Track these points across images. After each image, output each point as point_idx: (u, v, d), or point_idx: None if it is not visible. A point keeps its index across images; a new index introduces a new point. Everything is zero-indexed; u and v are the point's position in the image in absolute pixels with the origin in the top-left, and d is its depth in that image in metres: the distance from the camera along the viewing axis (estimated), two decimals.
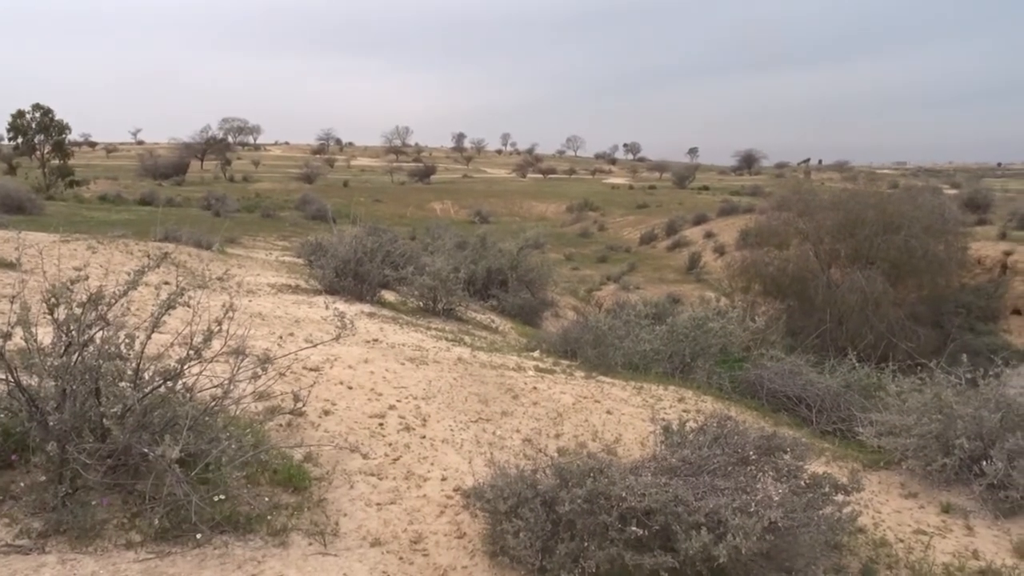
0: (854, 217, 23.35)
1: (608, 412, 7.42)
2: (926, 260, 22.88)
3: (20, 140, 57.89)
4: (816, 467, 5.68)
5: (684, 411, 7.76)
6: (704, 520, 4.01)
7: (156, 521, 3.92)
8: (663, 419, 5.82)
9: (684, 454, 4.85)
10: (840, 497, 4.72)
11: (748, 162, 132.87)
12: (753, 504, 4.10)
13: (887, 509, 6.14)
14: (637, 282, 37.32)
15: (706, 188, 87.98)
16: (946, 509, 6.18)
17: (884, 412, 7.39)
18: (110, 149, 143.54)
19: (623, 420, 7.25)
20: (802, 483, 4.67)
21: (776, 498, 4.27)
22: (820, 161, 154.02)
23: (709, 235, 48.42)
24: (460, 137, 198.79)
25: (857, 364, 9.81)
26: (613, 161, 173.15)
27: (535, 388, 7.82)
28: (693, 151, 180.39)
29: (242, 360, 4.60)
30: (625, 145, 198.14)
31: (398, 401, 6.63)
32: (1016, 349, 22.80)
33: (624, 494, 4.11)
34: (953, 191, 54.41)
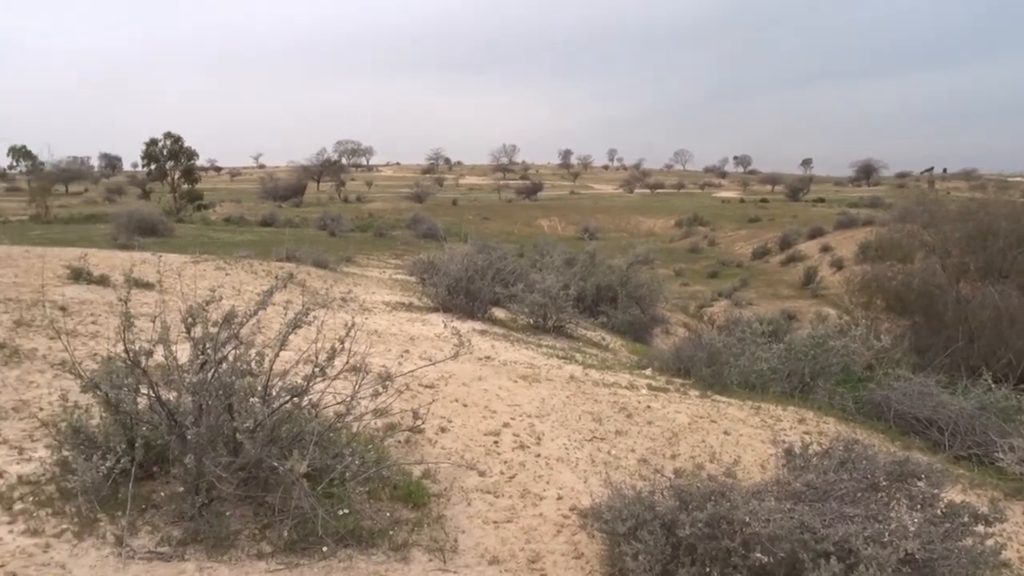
0: (985, 228, 21.99)
1: (725, 433, 7.24)
2: None
3: (153, 167, 61.58)
4: (952, 495, 5.36)
5: (805, 433, 7.50)
6: (833, 549, 3.84)
7: (285, 533, 4.07)
8: (784, 441, 5.63)
9: (808, 478, 4.66)
10: (981, 528, 4.43)
11: (866, 172, 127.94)
12: (887, 533, 3.90)
13: None
14: (750, 298, 36.40)
15: (821, 200, 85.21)
16: None
17: None
18: (234, 173, 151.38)
19: (741, 441, 7.06)
20: (938, 512, 4.41)
21: (912, 528, 4.04)
22: (945, 170, 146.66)
23: (826, 249, 46.80)
24: (567, 153, 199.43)
25: (993, 385, 9.23)
26: (723, 174, 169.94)
27: (649, 407, 7.72)
28: (807, 162, 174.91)
29: (363, 377, 4.73)
30: (735, 158, 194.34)
31: (512, 419, 6.66)
32: None
33: (747, 519, 3.98)
34: None
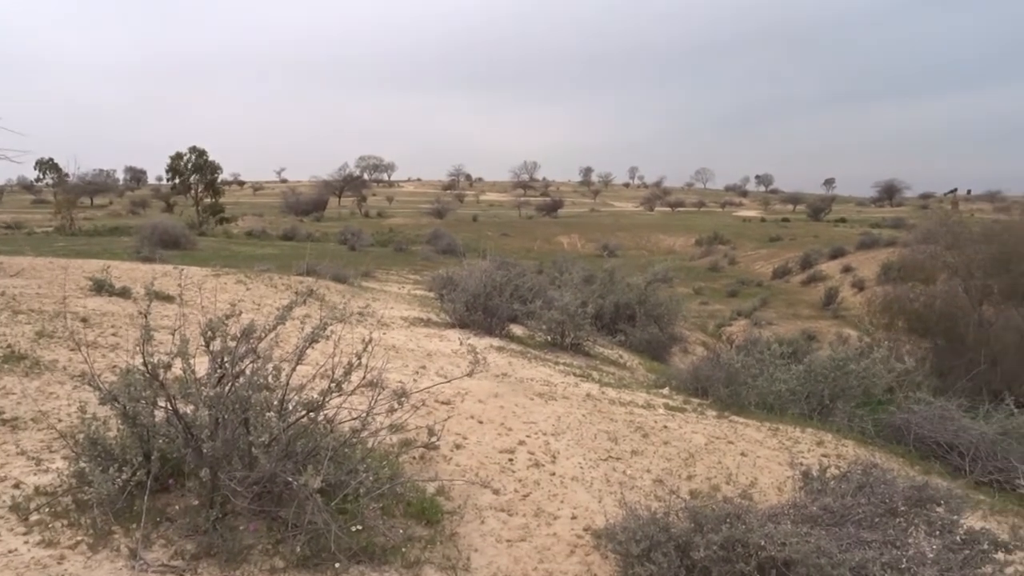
0: (1009, 251, 21.74)
1: (742, 454, 7.19)
2: None
3: (177, 180, 62.29)
4: (972, 521, 5.27)
5: (824, 456, 7.42)
6: (850, 575, 3.80)
7: (298, 548, 4.06)
8: (802, 463, 5.58)
9: (826, 502, 4.61)
10: (1001, 556, 4.36)
11: (889, 193, 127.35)
12: (904, 560, 3.85)
13: None
14: (769, 318, 36.17)
15: (843, 220, 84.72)
16: None
17: None
18: (257, 187, 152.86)
19: (758, 463, 7.00)
20: (958, 539, 4.35)
21: (930, 555, 3.98)
22: (969, 191, 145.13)
23: (847, 269, 46.56)
24: (587, 171, 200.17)
25: (1015, 410, 9.10)
26: (744, 193, 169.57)
27: (665, 427, 7.67)
28: (829, 182, 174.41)
29: (379, 393, 4.74)
30: (757, 177, 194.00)
31: (527, 437, 6.65)
32: None
33: (763, 542, 3.95)
34: None
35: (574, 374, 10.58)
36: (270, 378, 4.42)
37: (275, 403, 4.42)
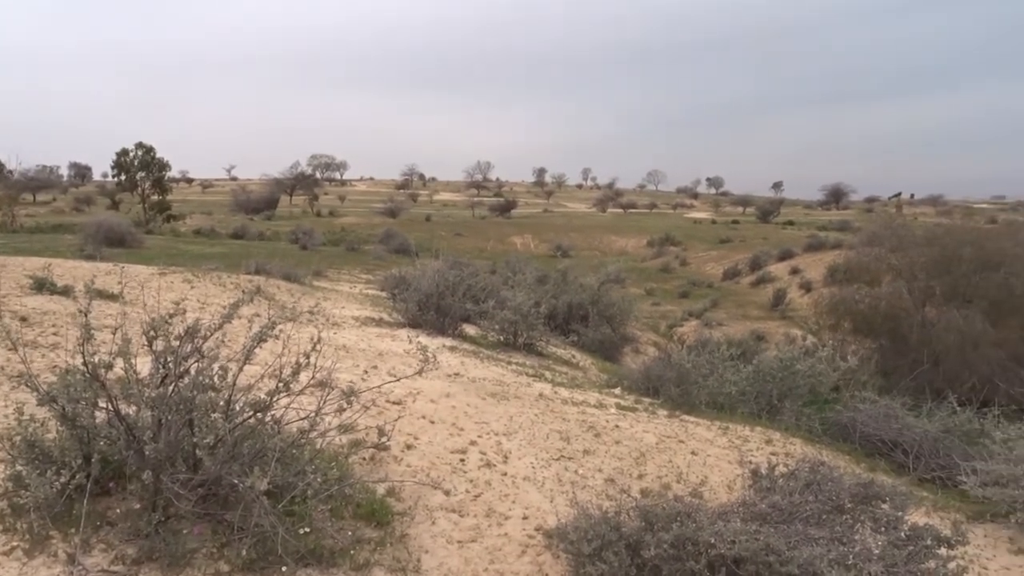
0: (950, 254, 22.36)
1: (693, 453, 7.25)
2: None
3: (123, 177, 60.77)
4: (916, 517, 5.39)
5: (772, 454, 7.52)
6: (798, 571, 3.84)
7: (244, 552, 3.97)
8: (751, 462, 5.64)
9: (774, 500, 4.67)
10: (943, 551, 4.46)
11: (836, 196, 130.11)
12: (851, 556, 3.91)
13: (994, 565, 5.78)
14: (720, 318, 36.62)
15: (791, 223, 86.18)
16: None
17: (989, 460, 6.99)
18: (206, 185, 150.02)
19: (708, 462, 7.06)
20: (902, 535, 4.43)
21: (875, 550, 4.05)
22: (912, 195, 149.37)
23: (795, 271, 47.32)
24: (541, 172, 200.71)
25: (957, 408, 9.34)
26: (695, 195, 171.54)
27: (617, 426, 7.70)
28: (778, 185, 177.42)
29: (328, 393, 4.66)
30: (708, 179, 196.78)
31: (479, 437, 6.61)
32: None
33: (713, 540, 3.98)
34: None
35: (527, 374, 10.58)
36: (216, 378, 4.32)
37: (221, 403, 4.32)
